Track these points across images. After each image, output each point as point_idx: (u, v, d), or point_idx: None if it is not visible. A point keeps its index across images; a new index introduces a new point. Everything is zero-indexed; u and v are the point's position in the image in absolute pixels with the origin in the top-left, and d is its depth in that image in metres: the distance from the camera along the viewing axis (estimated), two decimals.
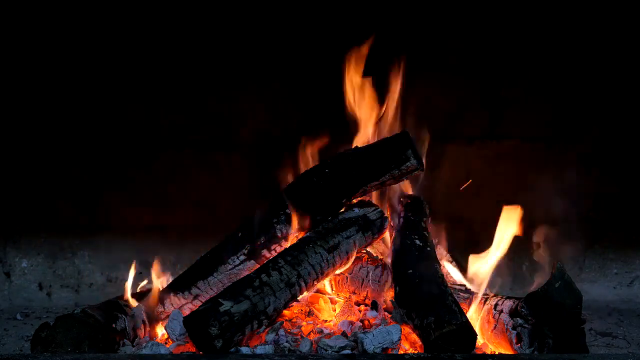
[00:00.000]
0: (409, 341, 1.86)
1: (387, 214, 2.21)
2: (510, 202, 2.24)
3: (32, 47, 2.79)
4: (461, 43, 2.83)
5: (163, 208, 2.90)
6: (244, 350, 1.75)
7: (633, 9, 2.77)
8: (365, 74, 2.36)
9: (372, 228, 2.09)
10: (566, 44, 2.84)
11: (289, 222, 2.09)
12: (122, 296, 2.09)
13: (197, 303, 2.02)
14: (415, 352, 1.80)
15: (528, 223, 2.80)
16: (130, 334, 1.93)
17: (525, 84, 2.88)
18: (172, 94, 2.86)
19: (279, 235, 2.09)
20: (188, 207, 2.88)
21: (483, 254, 2.14)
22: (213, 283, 2.06)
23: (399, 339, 1.76)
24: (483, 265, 2.10)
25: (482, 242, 2.25)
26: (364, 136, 2.32)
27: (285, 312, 1.97)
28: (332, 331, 1.91)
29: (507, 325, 1.80)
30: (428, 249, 2.06)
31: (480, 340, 1.88)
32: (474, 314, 1.94)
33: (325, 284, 2.16)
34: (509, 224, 2.09)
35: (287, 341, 1.83)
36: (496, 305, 1.89)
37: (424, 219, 2.24)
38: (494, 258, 2.08)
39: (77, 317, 1.81)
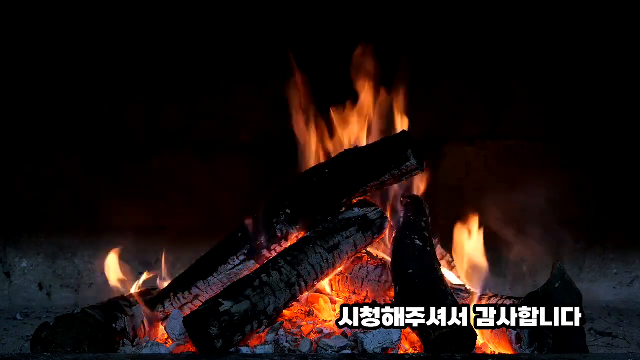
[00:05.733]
0: (409, 341, 1.85)
1: (387, 214, 2.21)
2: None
3: (34, 51, 2.79)
4: (462, 43, 2.83)
5: (163, 208, 2.90)
6: (244, 350, 1.75)
7: (633, 10, 2.78)
8: (366, 75, 2.37)
9: (372, 228, 2.09)
10: (566, 45, 2.84)
11: (289, 222, 2.09)
12: (122, 296, 2.09)
13: (197, 303, 2.02)
14: (415, 352, 1.80)
15: (528, 223, 2.82)
16: (130, 334, 1.93)
17: (525, 84, 2.88)
18: (172, 94, 2.86)
19: (279, 235, 2.09)
20: (188, 207, 2.88)
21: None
22: (213, 283, 2.06)
23: (399, 339, 1.76)
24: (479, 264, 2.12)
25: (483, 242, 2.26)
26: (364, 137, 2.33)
27: (285, 312, 1.97)
28: (332, 331, 1.91)
29: None
30: (428, 249, 2.06)
31: (480, 340, 1.88)
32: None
33: (325, 284, 2.16)
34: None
35: (287, 341, 1.83)
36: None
37: (424, 219, 2.24)
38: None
39: (77, 317, 1.80)
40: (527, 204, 2.85)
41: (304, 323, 1.96)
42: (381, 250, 2.26)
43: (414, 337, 1.82)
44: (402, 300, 1.87)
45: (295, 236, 2.10)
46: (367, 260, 2.14)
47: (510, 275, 2.91)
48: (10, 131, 2.84)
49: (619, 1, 2.78)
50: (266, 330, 1.84)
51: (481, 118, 2.91)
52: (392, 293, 2.01)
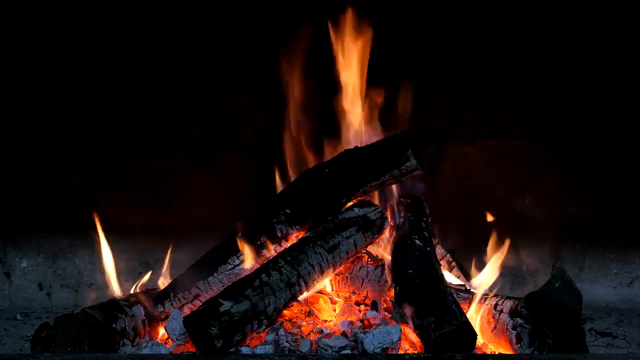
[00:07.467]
0: (409, 341, 1.86)
1: (387, 214, 2.21)
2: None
3: (36, 52, 2.78)
4: (462, 44, 2.83)
5: (163, 208, 2.90)
6: (244, 350, 1.75)
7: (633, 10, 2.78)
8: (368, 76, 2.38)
9: (372, 228, 2.09)
10: (567, 46, 2.84)
11: (289, 222, 2.09)
12: (122, 296, 2.09)
13: (197, 303, 2.03)
14: (415, 352, 1.80)
15: (528, 223, 2.82)
16: (130, 334, 1.93)
17: (525, 84, 2.88)
18: (172, 94, 2.85)
19: (279, 235, 2.09)
20: (188, 207, 2.88)
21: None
22: (213, 283, 2.06)
23: (399, 339, 1.76)
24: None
25: (482, 242, 2.26)
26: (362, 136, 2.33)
27: (285, 312, 1.97)
28: (332, 331, 1.91)
29: (507, 325, 1.80)
30: (428, 249, 2.06)
31: (480, 340, 1.88)
32: (474, 314, 1.94)
33: (326, 284, 2.16)
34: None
35: (287, 341, 1.83)
36: (496, 305, 1.89)
37: (424, 219, 2.24)
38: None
39: (77, 317, 1.81)
40: (527, 204, 2.86)
41: (304, 323, 1.96)
42: (381, 251, 2.26)
43: (414, 337, 1.82)
44: (402, 300, 1.87)
45: (295, 236, 2.10)
46: (367, 260, 2.14)
47: (510, 275, 2.91)
48: (10, 131, 2.84)
49: (618, 2, 2.78)
50: (266, 330, 1.84)
51: (481, 118, 2.91)
52: (392, 293, 2.01)
